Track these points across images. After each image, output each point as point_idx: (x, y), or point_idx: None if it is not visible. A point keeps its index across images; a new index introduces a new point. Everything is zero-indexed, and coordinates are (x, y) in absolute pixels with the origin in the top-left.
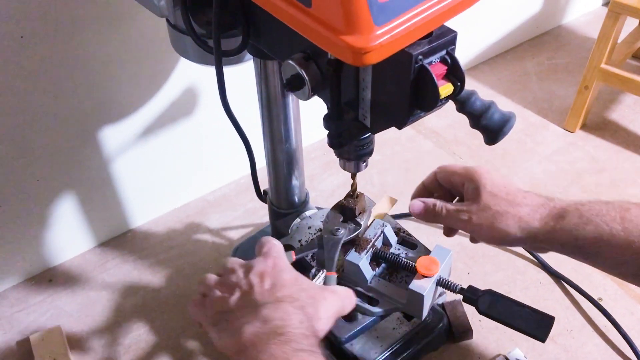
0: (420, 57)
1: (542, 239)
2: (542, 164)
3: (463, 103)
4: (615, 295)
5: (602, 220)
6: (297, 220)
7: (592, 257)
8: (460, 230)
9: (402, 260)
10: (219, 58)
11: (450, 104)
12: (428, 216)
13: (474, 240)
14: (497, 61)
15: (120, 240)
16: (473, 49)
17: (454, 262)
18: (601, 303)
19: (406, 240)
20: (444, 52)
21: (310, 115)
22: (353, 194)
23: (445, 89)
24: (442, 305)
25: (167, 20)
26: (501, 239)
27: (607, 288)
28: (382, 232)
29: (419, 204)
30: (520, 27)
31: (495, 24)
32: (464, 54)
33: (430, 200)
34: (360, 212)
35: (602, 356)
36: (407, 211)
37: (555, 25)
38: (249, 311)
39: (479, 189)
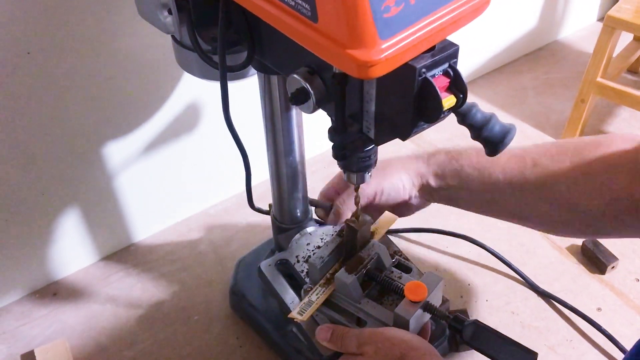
0: (423, 70)
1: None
2: None
3: (464, 115)
4: (614, 306)
5: (459, 163)
6: (297, 235)
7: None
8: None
9: (392, 283)
10: (224, 73)
11: (451, 118)
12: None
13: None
14: (494, 76)
15: (124, 254)
16: (470, 63)
17: (454, 274)
18: (600, 313)
19: (401, 264)
20: (446, 65)
21: (311, 128)
22: (356, 209)
23: (448, 101)
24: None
25: (172, 36)
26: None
27: (607, 299)
28: (377, 253)
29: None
30: (517, 42)
31: (492, 39)
32: (461, 69)
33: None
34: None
35: None
36: (404, 227)
37: (551, 40)
38: None
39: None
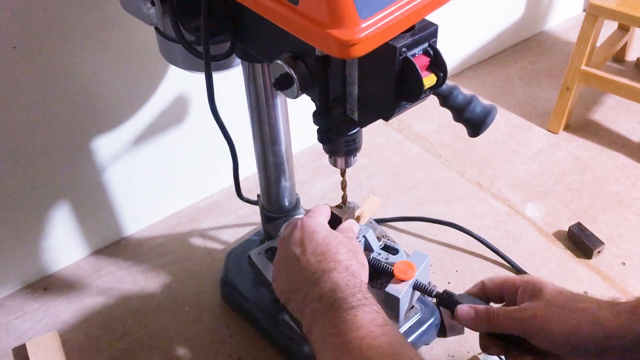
0: (404, 49)
1: (616, 335)
2: (526, 164)
3: (446, 97)
4: (601, 290)
5: None
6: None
7: None
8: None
9: (380, 264)
10: (208, 63)
11: (438, 108)
12: (480, 322)
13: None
14: (481, 67)
15: (114, 248)
16: (458, 55)
17: (442, 260)
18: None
19: (388, 246)
20: (426, 44)
21: (299, 122)
22: (343, 194)
23: (429, 79)
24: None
25: (156, 28)
26: (573, 335)
27: (593, 283)
28: (364, 236)
29: (467, 309)
30: (503, 33)
31: (479, 31)
32: (449, 60)
33: (481, 305)
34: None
35: None
36: (392, 216)
37: (538, 31)
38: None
39: (540, 288)
